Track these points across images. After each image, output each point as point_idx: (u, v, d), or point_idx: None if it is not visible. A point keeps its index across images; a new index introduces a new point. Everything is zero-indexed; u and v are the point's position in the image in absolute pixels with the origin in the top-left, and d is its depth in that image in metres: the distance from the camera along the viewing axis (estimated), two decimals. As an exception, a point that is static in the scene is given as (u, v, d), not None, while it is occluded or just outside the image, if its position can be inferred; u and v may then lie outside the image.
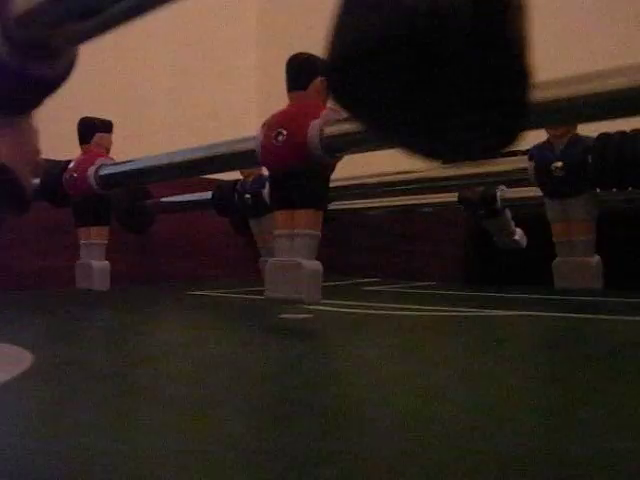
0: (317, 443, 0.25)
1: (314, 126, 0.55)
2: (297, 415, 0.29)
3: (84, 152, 0.86)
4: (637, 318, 0.66)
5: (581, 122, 0.65)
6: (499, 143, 0.18)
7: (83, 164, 0.83)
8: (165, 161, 0.73)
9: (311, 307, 0.66)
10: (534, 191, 0.82)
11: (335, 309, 0.73)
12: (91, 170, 0.82)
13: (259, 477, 0.21)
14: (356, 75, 0.16)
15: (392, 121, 0.18)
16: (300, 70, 0.60)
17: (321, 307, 0.68)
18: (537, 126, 0.53)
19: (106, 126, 0.88)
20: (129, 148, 0.94)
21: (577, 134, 0.72)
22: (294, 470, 0.21)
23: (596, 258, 0.74)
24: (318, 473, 0.21)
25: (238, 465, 0.22)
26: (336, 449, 0.24)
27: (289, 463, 0.22)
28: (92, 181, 0.81)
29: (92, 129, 0.86)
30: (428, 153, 0.20)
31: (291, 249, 0.58)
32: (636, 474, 0.21)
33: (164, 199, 1.19)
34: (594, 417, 0.28)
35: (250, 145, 0.62)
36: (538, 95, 0.42)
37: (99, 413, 0.30)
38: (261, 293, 0.62)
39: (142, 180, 0.92)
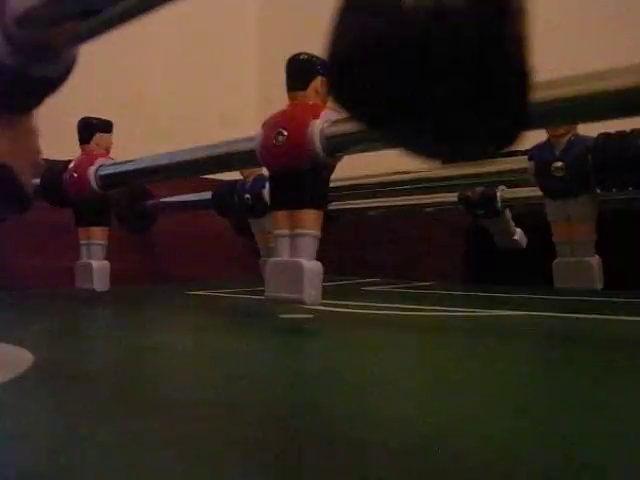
0: (319, 447, 0.25)
1: (314, 126, 0.55)
2: (298, 416, 0.29)
3: (84, 152, 0.86)
4: (637, 318, 0.66)
5: (581, 122, 0.65)
6: (499, 144, 0.18)
7: (83, 164, 0.83)
8: (165, 161, 0.73)
9: (311, 307, 0.66)
10: (534, 191, 0.82)
11: (335, 309, 0.73)
12: (91, 170, 0.82)
13: None
14: (356, 75, 0.16)
15: (392, 121, 0.18)
16: (300, 70, 0.60)
17: (321, 307, 0.68)
18: (537, 126, 0.53)
19: (106, 126, 0.88)
20: (129, 148, 0.94)
21: (577, 134, 0.72)
22: (295, 476, 0.21)
23: (596, 258, 0.74)
24: (319, 475, 0.21)
25: (237, 469, 0.22)
26: (338, 452, 0.24)
27: (289, 470, 0.22)
28: (92, 181, 0.81)
29: (92, 129, 0.87)
30: (428, 153, 0.20)
31: (291, 249, 0.58)
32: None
33: (164, 199, 1.19)
34: (593, 416, 0.28)
35: (250, 145, 0.61)
36: (538, 95, 0.42)
37: (99, 413, 0.30)
38: (261, 293, 0.62)
39: (142, 180, 0.92)
